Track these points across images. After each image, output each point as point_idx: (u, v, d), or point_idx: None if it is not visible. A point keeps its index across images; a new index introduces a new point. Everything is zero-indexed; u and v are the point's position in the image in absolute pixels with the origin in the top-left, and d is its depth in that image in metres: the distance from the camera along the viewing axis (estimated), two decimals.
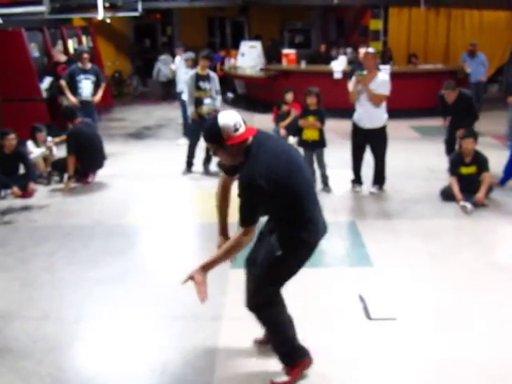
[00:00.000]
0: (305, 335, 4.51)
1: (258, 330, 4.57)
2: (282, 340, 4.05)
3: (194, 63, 10.98)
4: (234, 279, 5.41)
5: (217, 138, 3.56)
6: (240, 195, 3.57)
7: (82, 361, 4.32)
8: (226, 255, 3.75)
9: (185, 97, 10.16)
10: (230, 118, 3.57)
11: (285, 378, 4.02)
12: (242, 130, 3.58)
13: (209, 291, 5.19)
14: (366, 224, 7.02)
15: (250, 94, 16.47)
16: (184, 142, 10.96)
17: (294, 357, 4.05)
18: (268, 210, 3.79)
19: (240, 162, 3.63)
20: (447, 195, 7.73)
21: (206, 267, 3.78)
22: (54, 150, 9.41)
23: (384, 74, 8.04)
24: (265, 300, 3.96)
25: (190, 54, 11.55)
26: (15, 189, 8.29)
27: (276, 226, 3.85)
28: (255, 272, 3.99)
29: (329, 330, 4.62)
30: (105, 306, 5.08)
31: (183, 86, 11.07)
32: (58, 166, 9.02)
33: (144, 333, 4.65)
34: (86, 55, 10.39)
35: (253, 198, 3.57)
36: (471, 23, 16.88)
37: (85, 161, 8.81)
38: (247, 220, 3.62)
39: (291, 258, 3.86)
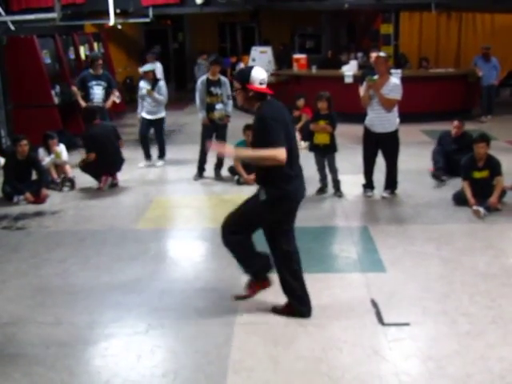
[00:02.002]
0: (317, 339, 4.52)
1: (270, 335, 4.58)
2: (246, 263, 4.93)
3: (154, 76, 10.36)
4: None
5: (244, 79, 4.54)
6: (262, 130, 4.45)
7: (94, 366, 4.31)
8: (257, 158, 4.55)
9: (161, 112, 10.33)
10: (261, 72, 4.59)
11: (248, 291, 5.05)
12: (264, 86, 4.56)
13: (221, 296, 5.23)
14: (378, 229, 7.00)
15: None
16: (144, 164, 10.37)
17: (258, 277, 5.00)
18: None
19: (252, 108, 4.62)
20: (460, 200, 7.69)
21: (239, 153, 5.01)
22: (64, 155, 9.42)
23: (395, 79, 8.04)
24: (232, 230, 4.78)
25: (149, 66, 10.65)
26: (28, 194, 8.34)
27: (265, 179, 4.58)
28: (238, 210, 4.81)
29: (341, 334, 4.60)
30: (117, 311, 5.08)
31: (140, 100, 10.36)
32: (89, 169, 9.12)
33: (156, 338, 4.65)
34: (100, 61, 10.46)
35: (274, 125, 4.40)
36: (483, 27, 16.86)
37: (98, 162, 8.87)
38: (278, 141, 4.38)
39: (272, 207, 4.64)
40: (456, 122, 9.11)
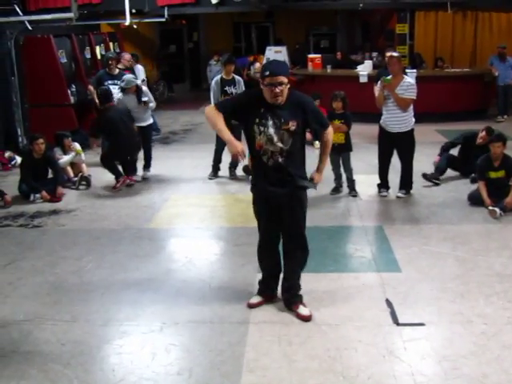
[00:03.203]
0: (332, 338, 4.52)
1: (284, 334, 4.59)
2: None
3: (137, 88, 9.34)
4: None
5: (288, 73, 4.66)
6: (316, 111, 4.84)
7: (109, 364, 4.34)
8: (328, 153, 5.02)
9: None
10: None
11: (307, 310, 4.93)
12: None
13: (235, 295, 5.23)
14: (393, 229, 6.98)
15: None
16: (150, 174, 9.70)
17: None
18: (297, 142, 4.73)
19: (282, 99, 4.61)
20: (475, 200, 7.65)
21: (322, 169, 5.00)
22: (82, 155, 9.52)
23: (410, 78, 8.01)
24: (307, 243, 4.96)
25: (130, 81, 9.39)
26: (44, 193, 8.40)
27: (303, 173, 4.83)
28: (296, 227, 4.86)
29: (356, 334, 4.59)
30: (133, 309, 5.11)
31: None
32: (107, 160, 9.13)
33: (171, 336, 4.67)
34: (112, 62, 10.50)
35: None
36: (498, 26, 16.72)
37: (114, 146, 8.91)
38: (328, 121, 4.95)
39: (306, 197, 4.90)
40: (483, 133, 8.70)
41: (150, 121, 9.80)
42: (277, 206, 4.80)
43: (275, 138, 4.61)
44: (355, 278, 5.66)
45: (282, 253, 5.04)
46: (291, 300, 5.00)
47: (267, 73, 4.52)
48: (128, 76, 9.74)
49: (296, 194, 4.76)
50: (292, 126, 4.60)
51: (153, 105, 9.66)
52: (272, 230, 4.95)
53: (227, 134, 4.66)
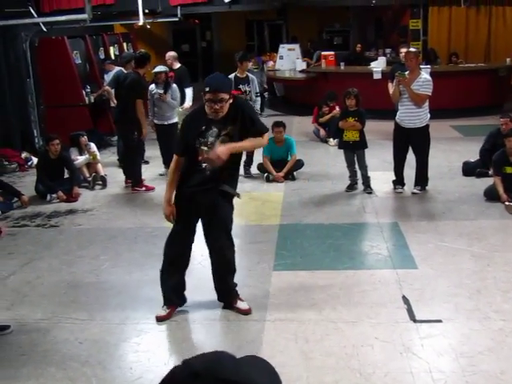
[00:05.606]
0: (348, 335, 4.51)
1: (301, 332, 4.59)
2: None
3: (166, 78, 9.30)
4: (276, 281, 5.43)
5: (231, 88, 4.75)
6: (254, 117, 4.78)
7: (127, 362, 4.37)
8: (249, 147, 5.16)
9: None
10: None
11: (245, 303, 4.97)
12: None
13: (251, 293, 5.24)
14: (409, 225, 6.95)
15: (290, 97, 16.48)
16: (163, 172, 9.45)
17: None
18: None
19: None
20: (491, 195, 7.60)
21: (231, 148, 4.49)
22: (98, 156, 9.55)
23: (426, 74, 7.98)
24: (232, 242, 4.98)
25: (162, 67, 9.40)
26: (60, 193, 8.45)
27: (235, 176, 4.88)
28: (223, 228, 4.89)
29: (373, 331, 4.59)
30: (149, 307, 5.13)
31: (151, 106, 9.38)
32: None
33: (188, 334, 4.69)
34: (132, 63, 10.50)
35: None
36: None
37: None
38: (266, 128, 4.85)
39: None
40: (501, 119, 8.62)
41: (174, 119, 9.29)
42: (201, 209, 4.81)
43: (216, 145, 4.48)
44: (371, 275, 5.65)
45: (211, 258, 5.08)
46: (230, 299, 5.04)
47: (207, 88, 4.39)
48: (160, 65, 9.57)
49: (221, 197, 4.76)
50: (231, 130, 4.53)
51: (175, 103, 9.29)
52: (189, 234, 4.99)
53: (167, 194, 4.80)
